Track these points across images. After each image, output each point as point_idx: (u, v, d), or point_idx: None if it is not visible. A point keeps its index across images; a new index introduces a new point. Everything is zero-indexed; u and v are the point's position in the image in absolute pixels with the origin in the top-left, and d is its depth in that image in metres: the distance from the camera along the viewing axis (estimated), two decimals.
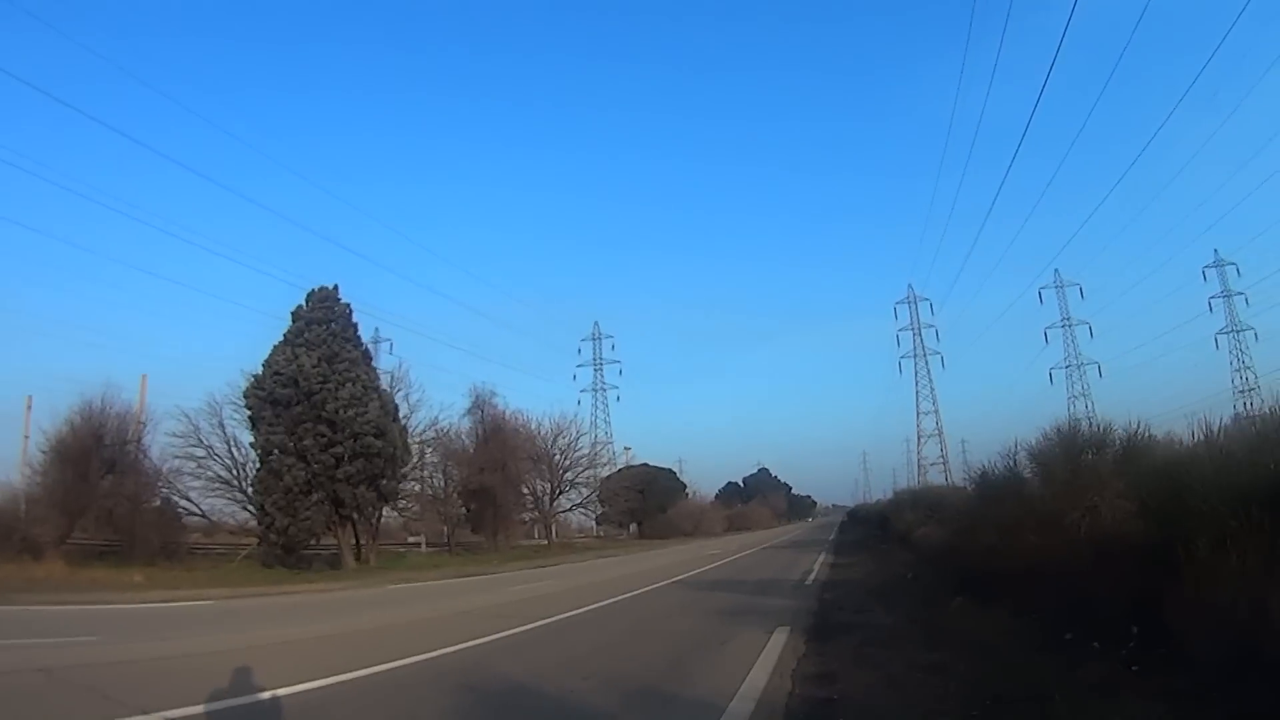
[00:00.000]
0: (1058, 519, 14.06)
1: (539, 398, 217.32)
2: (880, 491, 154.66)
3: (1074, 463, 15.29)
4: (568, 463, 78.19)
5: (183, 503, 46.07)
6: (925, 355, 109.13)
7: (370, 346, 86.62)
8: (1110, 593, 11.00)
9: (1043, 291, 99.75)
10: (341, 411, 41.00)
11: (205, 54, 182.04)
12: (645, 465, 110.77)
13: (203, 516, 47.17)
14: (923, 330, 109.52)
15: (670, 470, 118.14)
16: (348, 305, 45.01)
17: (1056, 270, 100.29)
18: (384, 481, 43.48)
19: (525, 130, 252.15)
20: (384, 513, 55.03)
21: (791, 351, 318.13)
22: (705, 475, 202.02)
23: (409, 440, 49.54)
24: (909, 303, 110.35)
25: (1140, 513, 11.83)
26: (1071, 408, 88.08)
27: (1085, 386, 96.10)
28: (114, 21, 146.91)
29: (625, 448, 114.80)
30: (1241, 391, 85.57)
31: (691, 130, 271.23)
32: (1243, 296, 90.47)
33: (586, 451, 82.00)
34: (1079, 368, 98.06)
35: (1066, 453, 15.78)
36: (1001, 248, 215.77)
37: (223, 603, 25.77)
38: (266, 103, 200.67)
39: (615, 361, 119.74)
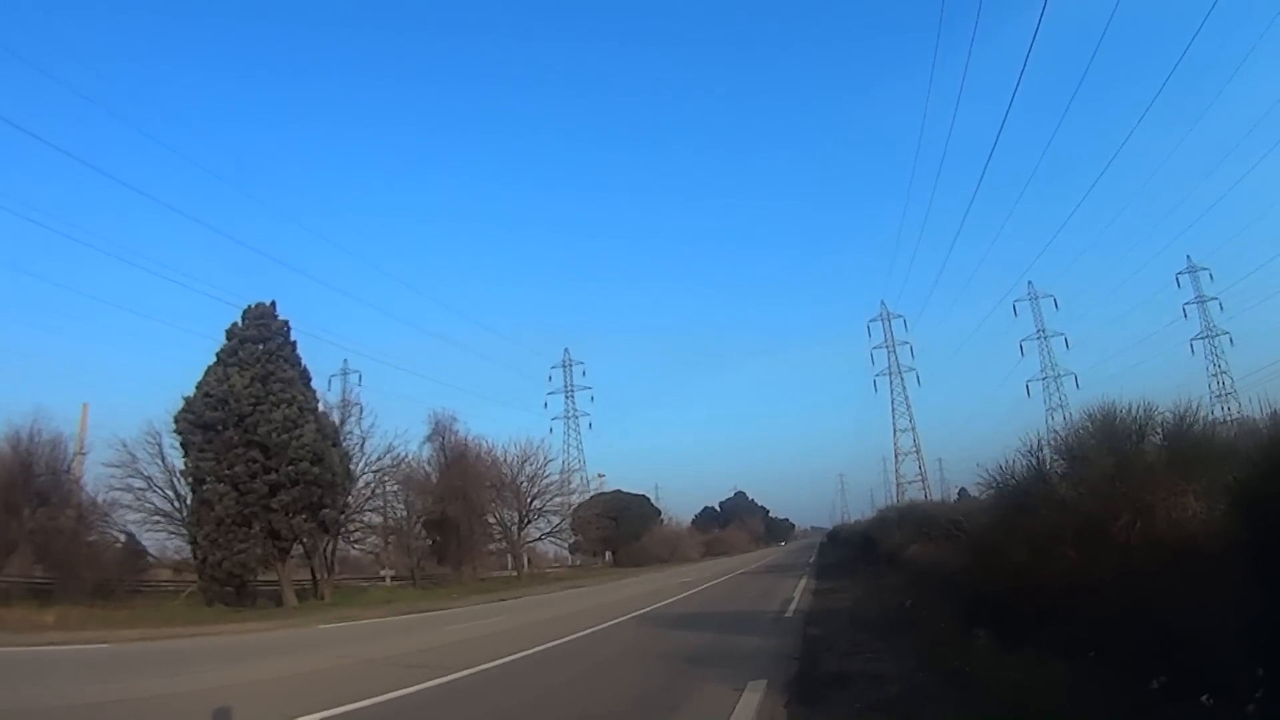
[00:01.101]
0: (1102, 526, 11.46)
1: (511, 426, 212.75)
2: (858, 512, 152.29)
3: (1118, 454, 12.14)
4: (535, 490, 74.31)
5: (121, 537, 42.21)
6: (900, 372, 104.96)
7: (340, 378, 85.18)
8: (1204, 621, 7.96)
9: (1017, 304, 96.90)
10: (275, 435, 36.95)
11: (162, 76, 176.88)
12: (618, 492, 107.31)
13: (143, 552, 43.00)
14: (897, 347, 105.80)
15: (644, 496, 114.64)
16: (285, 323, 41.01)
17: (1030, 282, 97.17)
18: (325, 511, 39.12)
19: (495, 160, 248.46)
20: (340, 545, 51.72)
21: (766, 374, 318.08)
22: (681, 501, 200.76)
23: (352, 467, 45.30)
24: (882, 320, 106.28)
25: (1239, 511, 8.94)
26: (1049, 419, 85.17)
27: (1063, 398, 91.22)
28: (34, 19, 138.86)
29: (599, 475, 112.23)
30: (1219, 396, 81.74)
31: (660, 157, 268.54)
32: (1216, 301, 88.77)
33: (555, 479, 78.23)
34: (1056, 379, 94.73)
35: (1107, 442, 12.49)
36: (974, 263, 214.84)
37: (116, 646, 22.72)
38: (228, 126, 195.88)
39: (587, 388, 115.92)
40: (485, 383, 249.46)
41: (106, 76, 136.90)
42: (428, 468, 64.00)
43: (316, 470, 37.62)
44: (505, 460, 71.74)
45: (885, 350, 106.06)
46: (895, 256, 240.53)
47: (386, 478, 55.55)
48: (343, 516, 47.03)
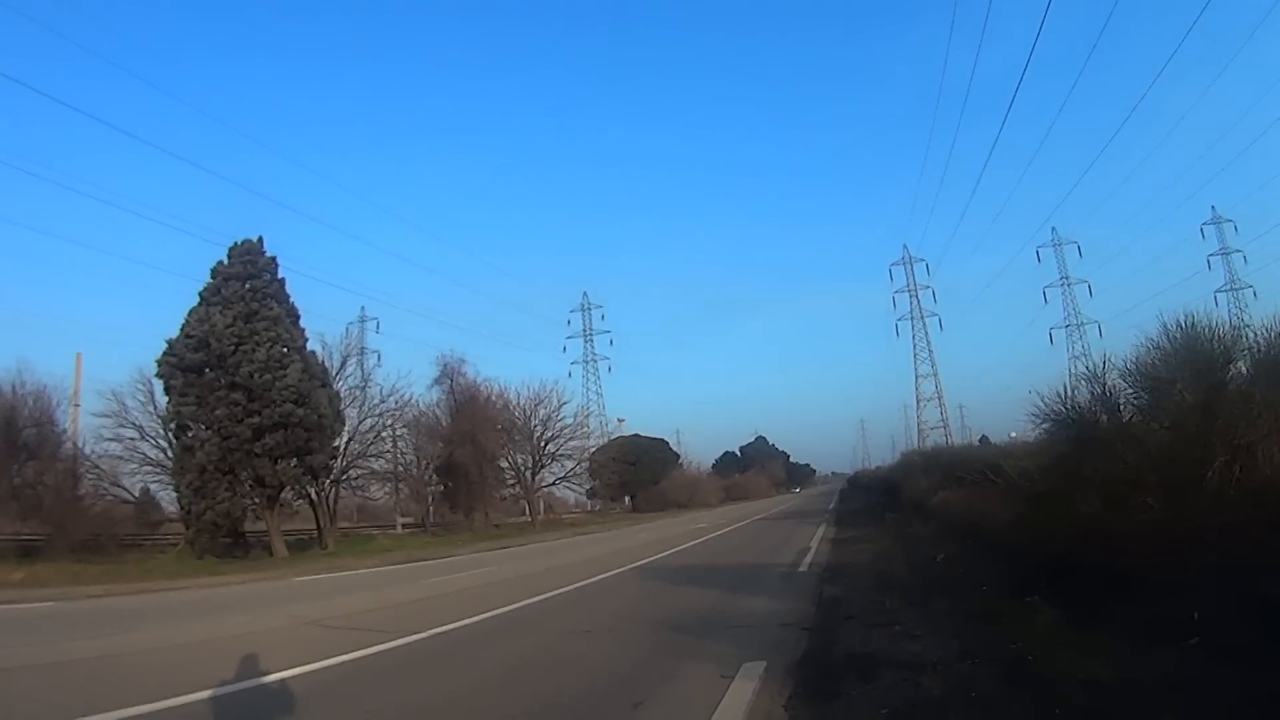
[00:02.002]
0: (1193, 470, 9.13)
1: (531, 372, 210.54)
2: (879, 458, 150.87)
3: (1207, 381, 9.88)
4: (549, 434, 71.88)
5: (112, 489, 39.80)
6: (923, 317, 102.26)
7: (357, 324, 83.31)
8: None
9: (1040, 250, 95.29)
10: (257, 376, 34.48)
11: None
12: (636, 436, 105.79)
13: (135, 502, 40.51)
14: (919, 291, 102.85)
15: (663, 441, 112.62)
16: (273, 259, 38.36)
17: (1054, 228, 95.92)
18: (313, 456, 36.37)
19: (513, 101, 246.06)
20: (347, 493, 50.24)
21: (788, 319, 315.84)
22: (702, 446, 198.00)
23: (352, 411, 42.95)
24: (904, 264, 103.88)
25: None
26: (1073, 368, 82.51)
27: (1086, 346, 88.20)
28: None
29: (619, 419, 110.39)
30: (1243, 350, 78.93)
31: (681, 95, 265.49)
32: (1241, 254, 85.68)
33: (570, 422, 75.40)
34: (1079, 327, 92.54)
35: (1193, 366, 10.13)
36: (996, 208, 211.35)
37: (63, 605, 21.04)
38: (223, 65, 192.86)
39: (606, 332, 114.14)
40: (504, 328, 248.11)
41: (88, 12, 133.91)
42: (438, 412, 61.84)
43: (302, 412, 35.09)
44: (518, 403, 69.64)
45: (907, 294, 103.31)
46: (917, 201, 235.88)
47: (392, 422, 53.10)
48: (342, 462, 45.04)
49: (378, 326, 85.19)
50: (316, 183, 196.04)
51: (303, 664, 10.50)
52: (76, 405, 41.99)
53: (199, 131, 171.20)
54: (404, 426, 56.63)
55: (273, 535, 37.09)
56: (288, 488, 37.09)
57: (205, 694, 9.04)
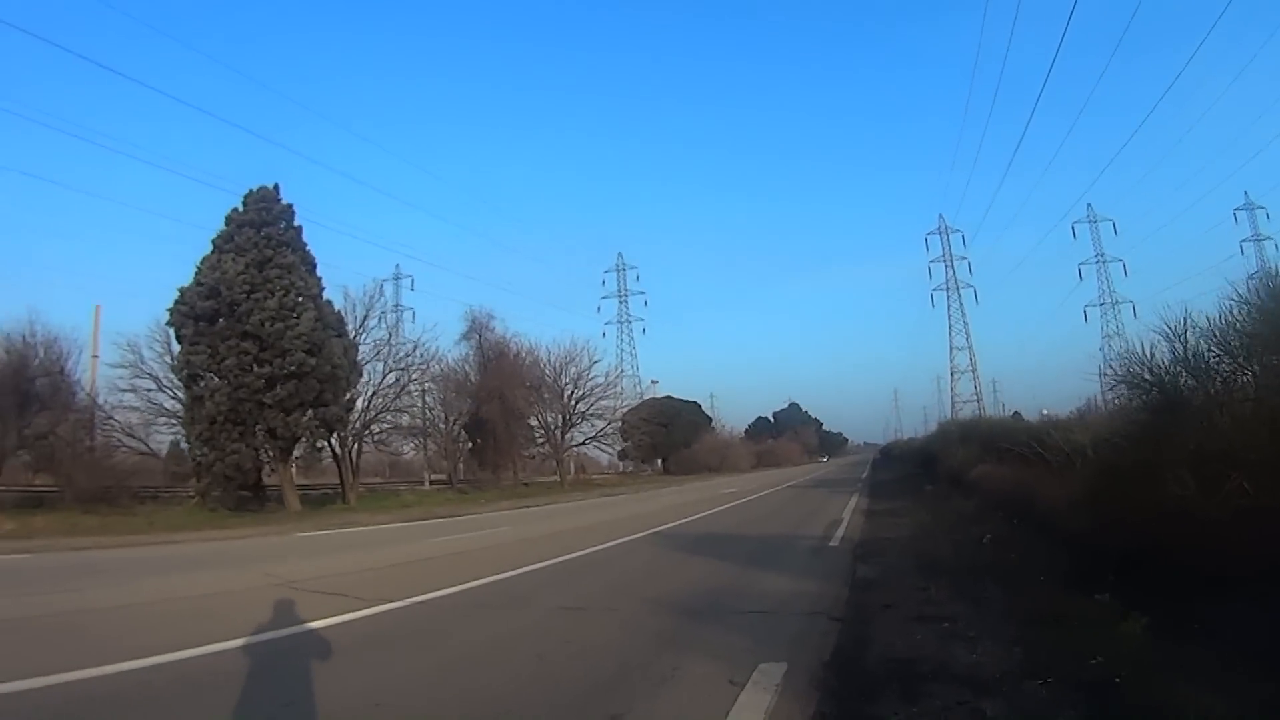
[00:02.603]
0: None
1: (565, 331, 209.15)
2: (911, 430, 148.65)
3: None
4: (579, 393, 70.17)
5: (127, 440, 38.59)
6: (958, 288, 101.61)
7: (392, 282, 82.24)
8: None
9: (1075, 226, 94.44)
10: (268, 325, 32.73)
11: None
12: (669, 398, 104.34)
13: (151, 454, 39.14)
14: (955, 262, 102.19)
15: (695, 403, 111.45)
16: (289, 206, 36.51)
17: (1089, 205, 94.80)
18: (326, 408, 34.75)
19: (551, 54, 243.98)
20: (369, 447, 48.95)
21: (824, 286, 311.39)
22: (735, 410, 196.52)
23: (375, 365, 41.11)
24: (940, 233, 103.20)
25: None
26: (1106, 347, 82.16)
27: (1119, 325, 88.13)
28: None
29: (652, 381, 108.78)
30: None
31: (723, 60, 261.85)
32: (1272, 241, 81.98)
33: (601, 382, 73.34)
34: (1113, 306, 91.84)
35: None
36: (1032, 181, 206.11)
37: (37, 557, 19.52)
38: (257, 19, 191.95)
39: (640, 293, 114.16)
40: (539, 287, 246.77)
41: None
42: (467, 368, 60.53)
43: (314, 362, 33.37)
44: (548, 361, 68.02)
45: (943, 264, 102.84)
46: (954, 171, 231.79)
47: (418, 376, 51.43)
48: (364, 417, 43.93)
49: (412, 284, 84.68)
50: (347, 138, 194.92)
51: (232, 637, 8.92)
52: (95, 357, 40.59)
53: (227, 85, 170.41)
54: (431, 381, 55.33)
55: (285, 489, 35.68)
56: (302, 440, 35.48)
57: (62, 678, 7.38)
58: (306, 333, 33.26)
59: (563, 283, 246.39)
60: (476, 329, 61.06)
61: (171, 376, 36.61)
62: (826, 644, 8.35)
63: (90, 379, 39.90)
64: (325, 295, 36.65)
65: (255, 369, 32.50)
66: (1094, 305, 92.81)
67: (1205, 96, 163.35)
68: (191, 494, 34.98)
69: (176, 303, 33.89)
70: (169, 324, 34.41)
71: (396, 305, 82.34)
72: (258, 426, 33.25)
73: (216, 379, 32.83)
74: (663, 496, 45.58)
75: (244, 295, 32.83)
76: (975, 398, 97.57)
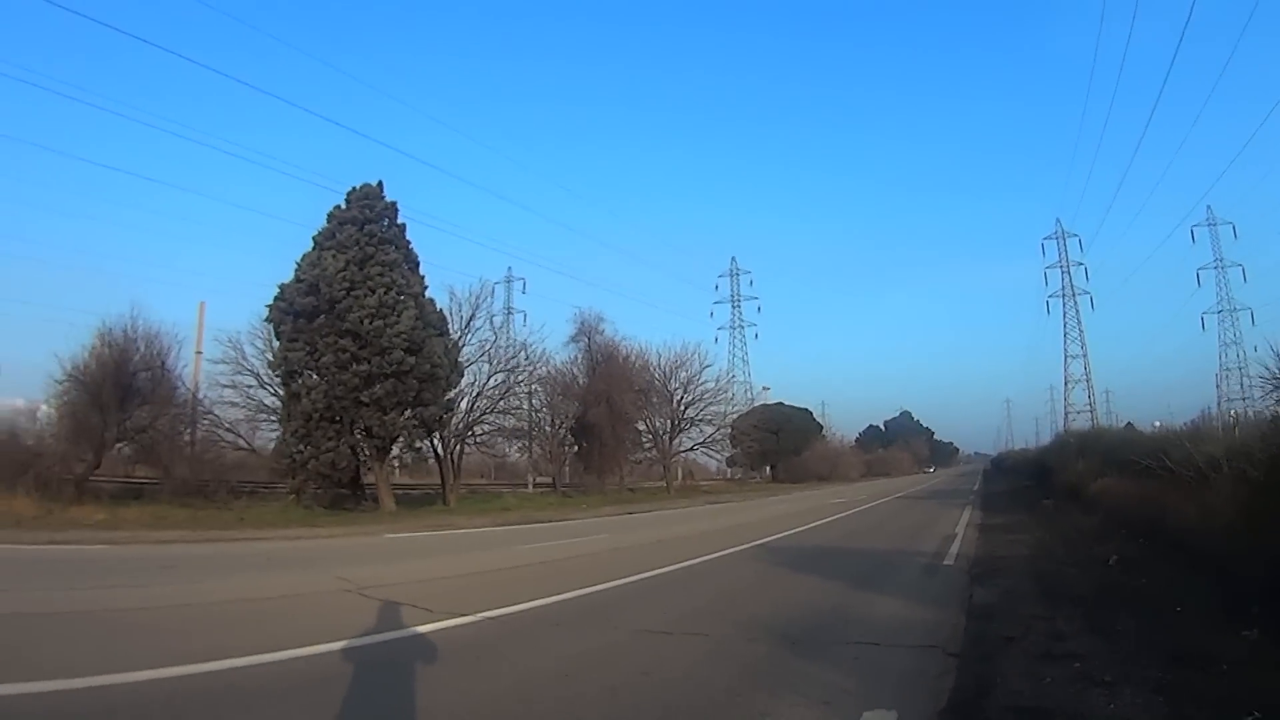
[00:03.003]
0: None
1: (678, 336, 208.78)
2: (1023, 440, 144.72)
3: None
4: (689, 398, 68.16)
5: (226, 436, 38.71)
6: (1074, 295, 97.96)
7: (504, 284, 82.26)
8: None
9: (1195, 230, 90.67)
10: (367, 322, 32.10)
11: None
12: (780, 404, 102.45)
13: (251, 450, 39.02)
14: (1071, 268, 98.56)
15: (806, 411, 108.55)
16: (393, 204, 35.93)
17: (1209, 207, 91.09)
18: (425, 408, 34.02)
19: (659, 54, 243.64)
20: (471, 448, 48.11)
21: (937, 293, 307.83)
22: (846, 418, 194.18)
23: (479, 366, 40.27)
24: (1057, 238, 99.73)
25: None
26: (1223, 356, 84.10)
27: (1238, 333, 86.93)
28: None
29: (764, 387, 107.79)
30: None
31: (835, 60, 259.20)
32: None
33: (712, 386, 71.04)
34: (1231, 313, 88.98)
35: None
36: (1152, 183, 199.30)
37: (109, 549, 18.81)
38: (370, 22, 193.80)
39: (753, 298, 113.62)
40: (651, 291, 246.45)
41: None
42: (575, 370, 59.68)
43: (413, 361, 32.66)
44: (658, 365, 66.33)
45: (1059, 270, 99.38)
46: (1070, 175, 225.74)
47: (524, 378, 50.89)
48: (468, 418, 43.64)
49: (524, 286, 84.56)
50: (462, 140, 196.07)
51: (264, 650, 8.16)
52: (199, 353, 40.61)
53: (338, 87, 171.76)
54: (538, 384, 54.90)
55: (380, 488, 35.09)
56: (399, 440, 34.88)
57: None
58: (406, 331, 32.59)
59: (677, 288, 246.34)
60: (585, 331, 60.11)
61: (271, 373, 36.18)
62: (942, 687, 7.10)
63: (194, 375, 40.01)
64: (428, 294, 36.08)
65: (353, 367, 31.88)
66: (1212, 312, 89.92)
67: None
68: (289, 491, 34.62)
69: (276, 299, 33.66)
70: (268, 320, 34.20)
71: (508, 307, 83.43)
72: (354, 425, 32.77)
73: (314, 376, 32.50)
74: (769, 505, 44.36)
75: (344, 292, 32.32)
76: (1089, 408, 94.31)
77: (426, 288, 35.95)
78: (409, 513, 34.08)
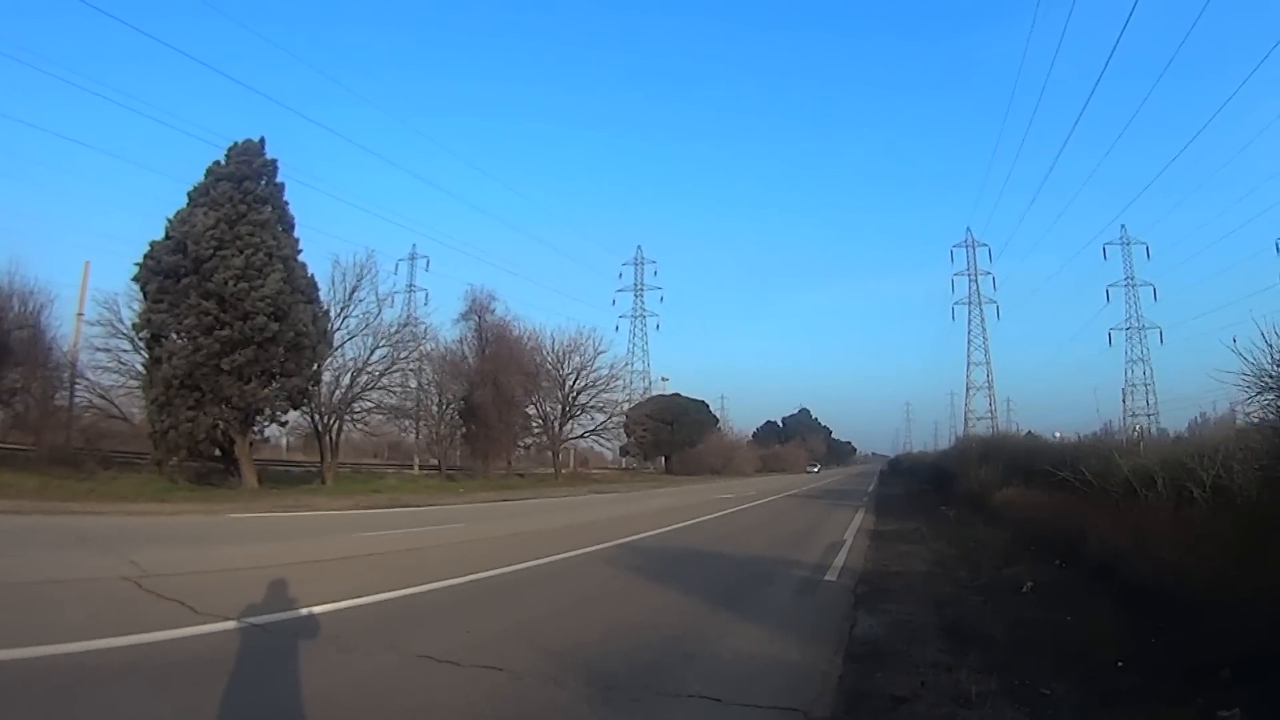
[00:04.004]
0: None
1: (577, 323, 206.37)
2: (921, 444, 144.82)
3: None
4: (581, 384, 65.71)
5: (99, 403, 35.53)
6: (981, 303, 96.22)
7: (407, 262, 79.62)
8: None
9: (1107, 247, 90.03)
10: (231, 284, 29.07)
11: None
12: (676, 395, 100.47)
13: (124, 419, 35.83)
14: (979, 276, 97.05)
15: (703, 402, 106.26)
16: (272, 161, 32.86)
17: (1123, 226, 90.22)
18: (289, 379, 31.16)
19: (580, 47, 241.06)
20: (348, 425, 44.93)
21: (843, 295, 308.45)
22: (745, 414, 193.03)
23: (331, 329, 36.84)
24: (967, 246, 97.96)
25: None
26: (1129, 372, 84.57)
27: (1145, 351, 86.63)
28: None
29: (663, 378, 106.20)
30: None
31: (754, 68, 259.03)
32: None
33: (605, 374, 68.30)
34: (1140, 330, 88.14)
35: None
36: (1065, 201, 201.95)
37: None
38: None
39: (657, 288, 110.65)
40: (557, 277, 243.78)
41: None
42: (467, 350, 56.82)
43: (276, 327, 29.72)
44: (551, 348, 64.05)
45: (967, 278, 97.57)
46: (984, 188, 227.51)
47: (407, 354, 47.08)
48: (346, 393, 40.89)
49: (428, 265, 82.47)
50: (376, 114, 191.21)
51: None
52: (80, 315, 37.31)
53: (227, 41, 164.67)
54: (419, 360, 51.37)
55: (243, 463, 31.85)
56: (263, 413, 31.80)
57: None
58: (272, 295, 29.64)
59: (585, 276, 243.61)
60: (476, 309, 57.28)
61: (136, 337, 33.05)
62: None
63: (74, 339, 36.82)
64: (302, 259, 33.05)
65: (215, 331, 28.89)
66: (1120, 329, 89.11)
67: (1253, 122, 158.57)
68: (153, 463, 31.64)
69: (146, 257, 30.44)
70: (135, 279, 30.90)
71: (411, 285, 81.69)
72: (217, 395, 29.69)
73: (177, 340, 29.43)
74: (654, 498, 42.09)
75: (211, 251, 29.26)
76: (989, 415, 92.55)
77: (300, 251, 32.99)
78: (273, 491, 31.26)
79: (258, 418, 31.71)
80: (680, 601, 11.36)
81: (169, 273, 29.60)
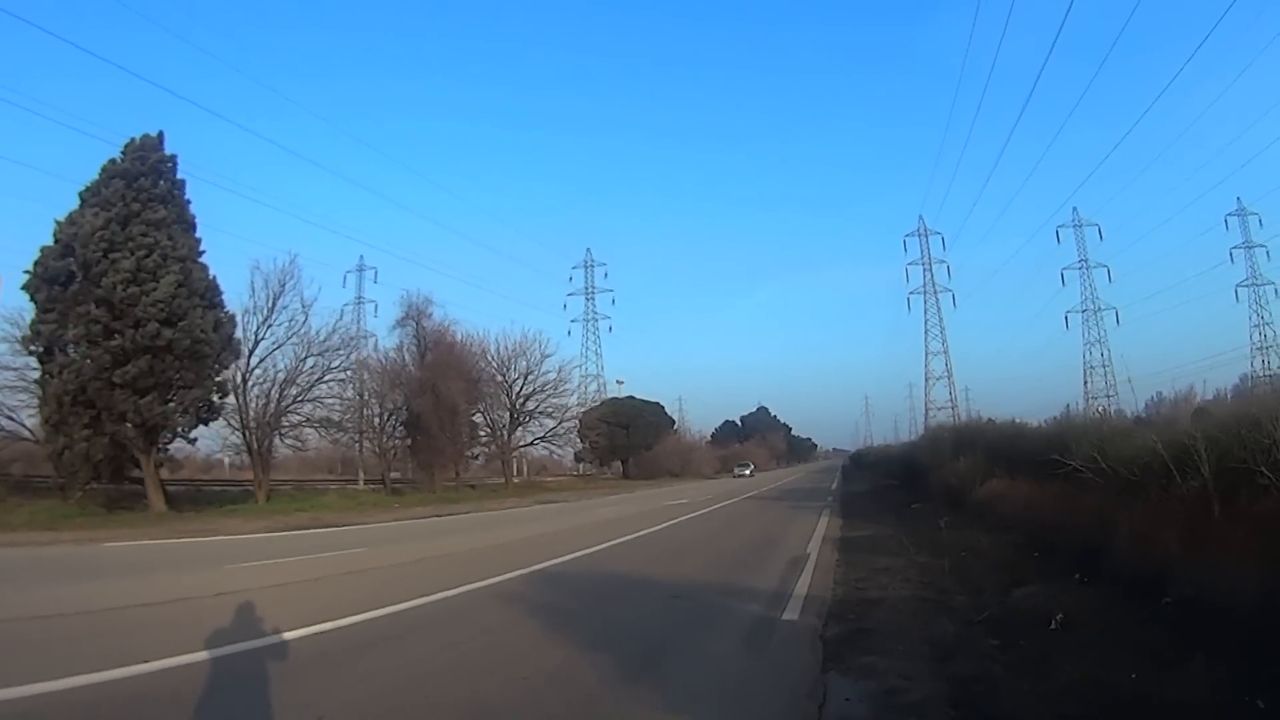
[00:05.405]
0: None
1: (529, 328, 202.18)
2: (882, 437, 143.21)
3: None
4: (529, 389, 62.46)
5: (6, 423, 31.50)
6: (936, 292, 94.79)
7: (355, 273, 76.47)
8: None
9: (1060, 231, 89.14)
10: (121, 289, 25.89)
11: None
12: (631, 398, 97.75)
13: (37, 442, 32.34)
14: (934, 265, 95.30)
15: (658, 404, 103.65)
16: (171, 157, 29.92)
17: (1075, 209, 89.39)
18: (189, 390, 27.92)
19: (522, 48, 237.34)
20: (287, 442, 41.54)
21: (797, 290, 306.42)
22: (705, 415, 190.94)
23: (245, 335, 33.60)
24: (920, 235, 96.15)
25: None
26: (1087, 354, 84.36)
27: (1102, 332, 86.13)
28: None
29: (618, 381, 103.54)
30: (1259, 348, 78.95)
31: (695, 62, 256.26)
32: (1264, 249, 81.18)
33: (553, 377, 65.08)
34: (1096, 312, 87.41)
35: None
36: (1015, 186, 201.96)
37: None
38: None
39: (608, 290, 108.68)
40: (506, 283, 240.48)
41: None
42: (407, 357, 53.59)
43: (170, 334, 26.46)
44: (495, 353, 60.84)
45: (921, 267, 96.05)
46: (934, 176, 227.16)
47: (339, 363, 42.95)
48: (280, 406, 37.47)
49: (375, 276, 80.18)
50: (310, 121, 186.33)
51: None
52: None
53: (132, 33, 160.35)
54: (358, 369, 48.95)
55: (149, 484, 28.62)
56: (167, 429, 28.40)
57: None
58: (165, 300, 26.47)
59: (534, 281, 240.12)
60: (413, 315, 53.94)
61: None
62: None
63: None
64: (204, 260, 29.75)
65: (105, 341, 25.80)
66: (1076, 311, 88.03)
67: (1199, 101, 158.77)
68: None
69: (35, 264, 27.45)
70: (23, 287, 27.63)
71: (359, 297, 79.72)
72: (111, 410, 26.63)
73: (66, 353, 26.33)
74: (603, 507, 38.87)
75: (100, 254, 26.21)
76: (950, 404, 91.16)
77: (203, 252, 29.74)
78: (186, 515, 27.98)
79: (163, 434, 28.29)
80: (578, 666, 7.84)
81: (57, 279, 26.68)
